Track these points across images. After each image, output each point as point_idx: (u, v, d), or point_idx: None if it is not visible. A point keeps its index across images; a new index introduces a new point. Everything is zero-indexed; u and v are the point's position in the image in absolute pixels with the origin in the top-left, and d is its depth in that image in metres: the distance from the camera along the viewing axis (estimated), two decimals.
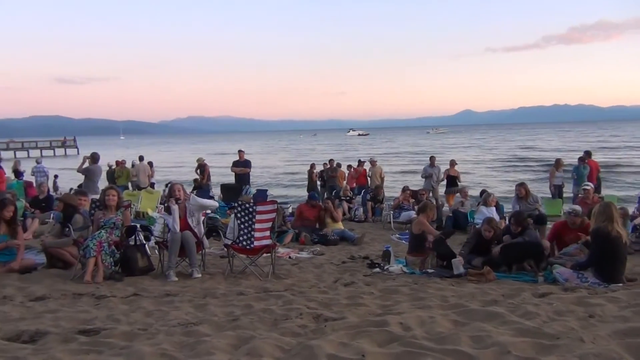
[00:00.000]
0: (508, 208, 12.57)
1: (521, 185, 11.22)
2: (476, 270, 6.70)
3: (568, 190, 15.43)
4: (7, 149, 64.90)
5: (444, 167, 16.51)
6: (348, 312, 4.80)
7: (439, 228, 10.69)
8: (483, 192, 13.30)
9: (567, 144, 63.89)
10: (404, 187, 14.83)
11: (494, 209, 11.18)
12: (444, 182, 16.37)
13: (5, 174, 16.32)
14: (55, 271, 7.20)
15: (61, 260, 7.41)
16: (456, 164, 16.84)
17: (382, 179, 17.95)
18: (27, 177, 18.89)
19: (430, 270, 7.09)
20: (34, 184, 17.19)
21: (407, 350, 3.53)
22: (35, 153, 64.33)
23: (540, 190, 18.54)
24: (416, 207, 13.36)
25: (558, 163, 15.51)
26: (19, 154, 59.63)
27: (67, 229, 7.55)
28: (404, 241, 10.86)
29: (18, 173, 18.44)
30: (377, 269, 7.39)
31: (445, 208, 14.46)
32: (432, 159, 17.08)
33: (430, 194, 15.44)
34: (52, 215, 12.72)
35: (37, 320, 4.70)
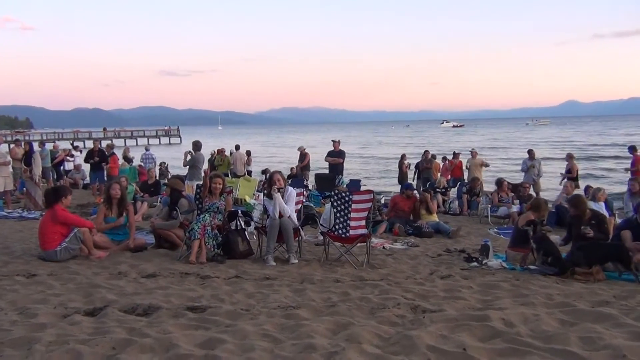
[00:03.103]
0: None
1: (635, 180, 10.42)
2: (584, 269, 6.33)
3: None
4: (117, 137, 69.96)
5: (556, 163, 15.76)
6: (446, 304, 4.72)
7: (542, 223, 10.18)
8: (588, 187, 12.50)
9: None
10: (498, 179, 14.27)
11: (603, 204, 10.46)
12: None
13: (118, 159, 17.64)
14: (163, 251, 7.68)
15: (168, 241, 7.89)
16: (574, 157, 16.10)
17: (486, 165, 17.47)
18: (136, 163, 20.28)
19: (532, 267, 6.79)
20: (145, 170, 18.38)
21: (511, 347, 3.42)
22: (142, 141, 68.83)
23: None
24: (515, 201, 12.92)
25: None
26: (128, 142, 64.07)
27: (175, 212, 8.01)
28: (502, 236, 10.48)
29: (128, 159, 19.84)
30: (475, 263, 7.18)
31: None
32: (531, 151, 16.37)
33: (531, 188, 14.75)
34: (159, 198, 13.58)
35: (150, 295, 5.04)
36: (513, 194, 13.35)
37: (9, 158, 13.64)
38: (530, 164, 15.75)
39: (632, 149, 15.40)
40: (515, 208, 12.42)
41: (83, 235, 6.87)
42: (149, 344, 3.50)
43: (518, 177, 18.16)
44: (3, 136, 17.45)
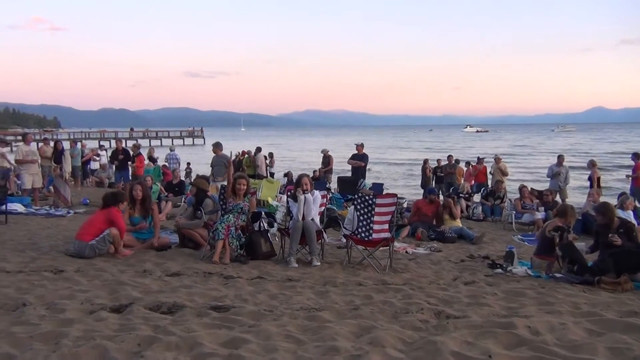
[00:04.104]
0: None
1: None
2: (611, 279, 6.20)
3: None
4: (143, 138, 70.95)
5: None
6: (470, 311, 4.67)
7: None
8: (622, 194, 12.26)
9: None
10: (521, 185, 14.09)
11: (631, 213, 10.26)
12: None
13: (144, 159, 17.89)
14: (187, 250, 7.75)
15: (192, 241, 7.96)
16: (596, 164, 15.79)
17: (506, 175, 17.20)
18: (160, 163, 20.54)
19: (558, 275, 6.67)
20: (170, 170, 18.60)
21: (537, 355, 3.38)
22: (166, 142, 69.68)
23: None
24: (540, 208, 12.73)
25: None
26: (153, 142, 64.92)
27: (199, 212, 8.08)
28: (526, 242, 10.34)
29: (153, 159, 20.10)
30: (499, 270, 7.09)
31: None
32: (560, 157, 16.10)
33: (557, 196, 14.53)
34: (183, 198, 13.73)
35: (174, 294, 5.09)
36: (538, 201, 13.17)
37: (38, 156, 13.92)
38: (557, 171, 15.49)
39: (635, 155, 15.06)
40: (539, 215, 12.25)
41: (113, 237, 6.99)
42: (174, 342, 3.54)
43: (544, 184, 17.90)
44: (32, 135, 17.74)
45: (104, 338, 3.59)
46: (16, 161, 13.94)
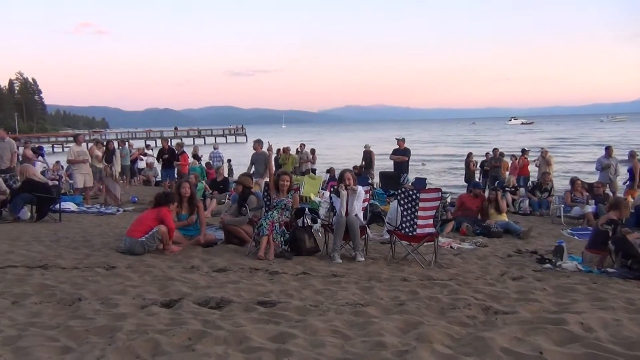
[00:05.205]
0: None
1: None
2: None
3: None
4: (187, 136, 72.50)
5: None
6: (519, 306, 4.58)
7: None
8: None
9: None
10: (571, 178, 13.66)
11: None
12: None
13: (188, 157, 18.25)
14: (232, 246, 7.87)
15: (237, 237, 8.08)
16: (638, 155, 15.11)
17: (551, 167, 16.73)
18: (204, 161, 20.90)
19: (610, 270, 6.46)
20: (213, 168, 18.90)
21: (590, 352, 3.28)
22: (210, 140, 70.91)
23: None
24: (590, 201, 12.34)
25: None
26: (197, 141, 66.19)
27: (244, 209, 8.20)
28: (576, 237, 10.05)
29: (197, 158, 20.48)
30: (548, 265, 6.91)
31: None
32: (608, 149, 15.52)
33: (607, 188, 14.03)
34: (227, 195, 13.94)
35: (221, 289, 5.18)
36: (588, 194, 12.76)
37: (88, 156, 14.40)
38: (607, 163, 14.92)
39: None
40: (589, 208, 11.88)
41: (161, 235, 7.17)
42: (222, 336, 3.60)
43: (592, 177, 17.34)
44: (83, 136, 18.35)
45: (156, 332, 3.69)
46: (68, 161, 14.48)
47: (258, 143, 14.04)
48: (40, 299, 4.68)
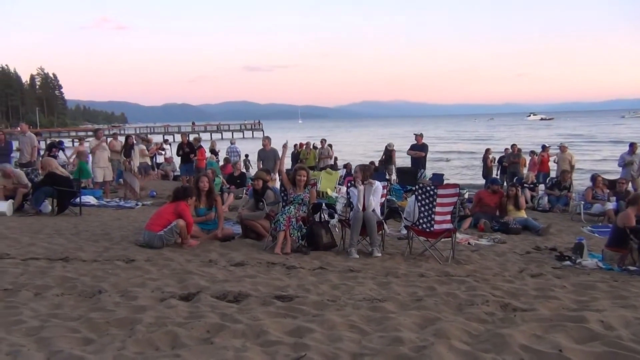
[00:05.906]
0: None
1: None
2: None
3: None
4: (204, 131, 72.92)
5: None
6: (538, 304, 4.54)
7: None
8: None
9: None
10: (592, 175, 13.47)
11: None
12: None
13: (205, 152, 18.33)
14: (249, 241, 7.91)
15: (254, 232, 8.12)
16: None
17: (573, 167, 16.45)
18: (221, 155, 20.98)
19: (632, 268, 6.37)
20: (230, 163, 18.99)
21: (611, 351, 3.25)
22: (227, 135, 71.28)
23: None
24: (612, 198, 12.15)
25: None
26: (214, 136, 66.54)
27: (261, 204, 8.23)
28: (596, 234, 9.92)
29: (215, 152, 20.57)
30: (568, 262, 6.84)
31: None
32: (632, 145, 15.25)
33: (630, 185, 13.82)
34: (244, 190, 14.00)
35: (239, 283, 5.22)
36: (609, 191, 12.57)
37: (108, 150, 14.57)
38: (630, 159, 14.66)
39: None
40: (610, 205, 11.70)
41: (180, 229, 7.22)
42: (240, 330, 3.63)
43: (614, 174, 17.07)
44: (102, 131, 18.54)
45: (175, 325, 3.73)
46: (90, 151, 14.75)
47: (267, 140, 14.00)
48: (61, 290, 4.76)
